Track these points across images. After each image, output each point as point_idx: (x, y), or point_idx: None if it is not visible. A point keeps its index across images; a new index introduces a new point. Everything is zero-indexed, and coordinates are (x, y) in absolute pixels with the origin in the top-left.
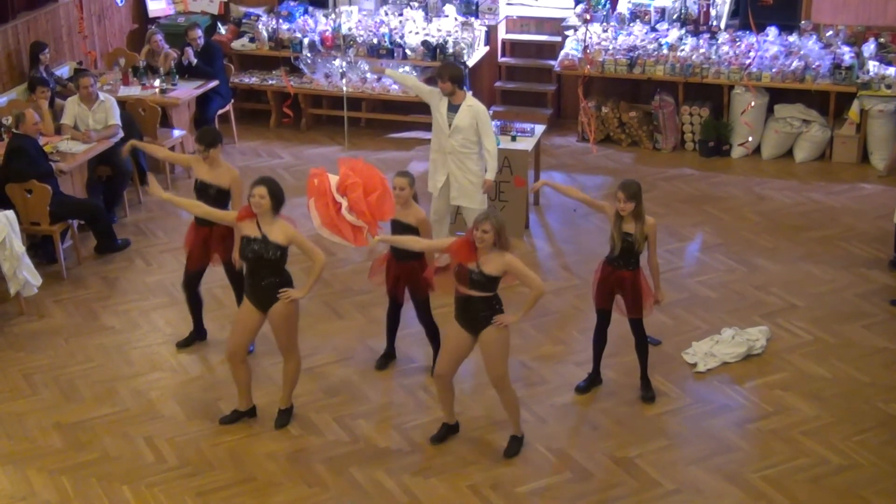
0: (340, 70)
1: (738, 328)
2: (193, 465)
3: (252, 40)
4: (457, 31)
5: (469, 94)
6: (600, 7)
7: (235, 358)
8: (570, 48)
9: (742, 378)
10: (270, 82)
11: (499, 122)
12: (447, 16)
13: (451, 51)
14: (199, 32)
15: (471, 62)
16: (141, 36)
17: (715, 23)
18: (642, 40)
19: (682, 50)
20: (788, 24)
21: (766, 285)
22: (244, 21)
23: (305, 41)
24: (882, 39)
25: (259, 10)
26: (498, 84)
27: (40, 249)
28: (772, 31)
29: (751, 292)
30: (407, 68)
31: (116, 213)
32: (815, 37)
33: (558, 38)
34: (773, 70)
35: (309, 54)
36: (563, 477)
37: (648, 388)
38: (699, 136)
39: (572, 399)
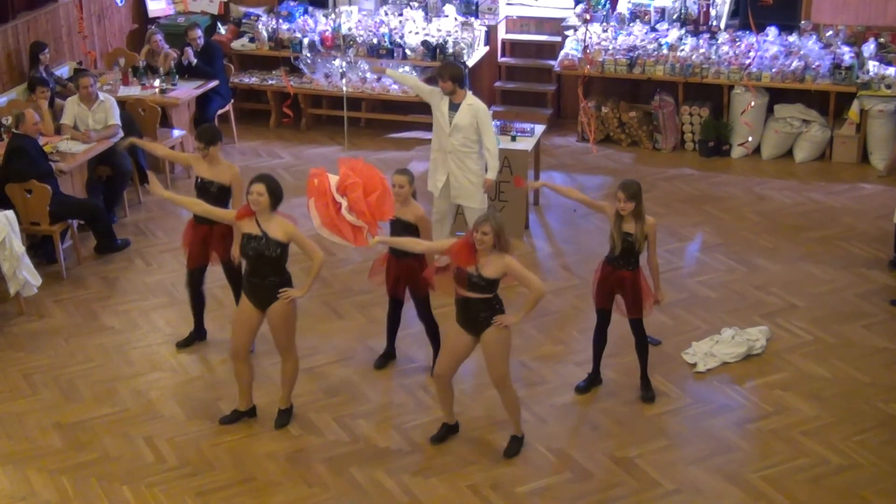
0: (340, 70)
1: (738, 328)
2: (193, 465)
3: (252, 40)
4: (457, 31)
5: (469, 93)
6: (600, 7)
7: (239, 357)
8: (570, 48)
9: (742, 378)
10: (270, 82)
11: (499, 122)
12: (447, 16)
13: (450, 51)
14: (199, 32)
15: (471, 62)
16: (141, 36)
17: (715, 23)
18: (642, 40)
19: (682, 50)
20: (788, 24)
21: (766, 285)
22: (244, 21)
23: (305, 41)
24: (882, 39)
25: (259, 10)
26: (498, 84)
27: (40, 249)
28: (772, 31)
29: (751, 292)
30: (407, 68)
31: (116, 213)
32: (814, 37)
33: (558, 38)
34: (773, 70)
35: (309, 54)
36: (563, 477)
37: (648, 388)
38: (699, 136)
39: (572, 399)
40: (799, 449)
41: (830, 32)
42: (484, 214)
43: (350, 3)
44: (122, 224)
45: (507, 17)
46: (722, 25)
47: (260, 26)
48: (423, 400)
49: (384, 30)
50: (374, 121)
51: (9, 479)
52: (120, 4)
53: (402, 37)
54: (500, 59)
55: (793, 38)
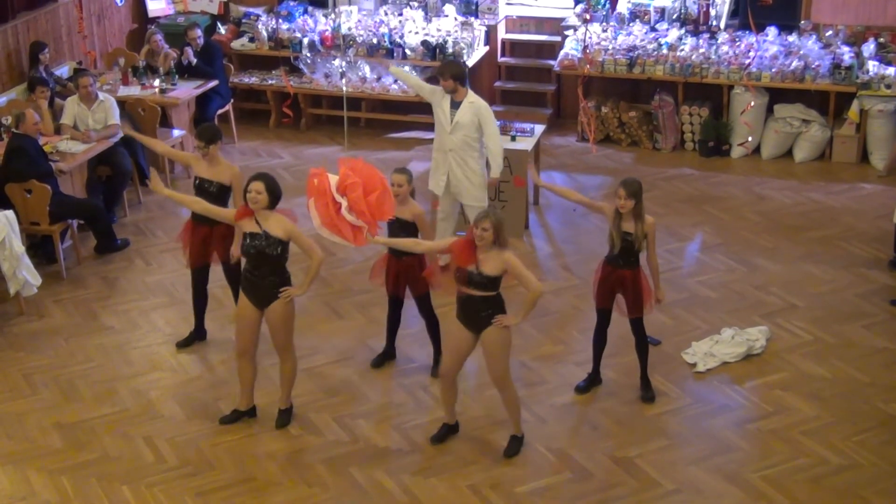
0: (340, 70)
1: (737, 328)
2: (193, 465)
3: (252, 40)
4: (456, 31)
5: (471, 91)
6: (600, 7)
7: (245, 356)
8: (570, 48)
9: (742, 378)
10: (270, 82)
11: (499, 122)
12: (447, 16)
13: (450, 51)
14: (199, 32)
15: (470, 62)
16: (140, 36)
17: (714, 23)
18: (642, 40)
19: (682, 50)
20: (788, 24)
21: (765, 285)
22: (244, 21)
23: (305, 41)
24: (882, 39)
25: (259, 10)
26: (497, 84)
27: (40, 249)
28: (771, 31)
29: (751, 292)
30: (407, 68)
31: (116, 212)
32: (814, 37)
33: (558, 38)
34: (773, 70)
35: (309, 54)
36: (563, 477)
37: (648, 388)
38: (699, 135)
39: (572, 399)
40: (799, 449)
41: (830, 32)
42: (483, 211)
43: (350, 3)
44: (121, 224)
45: (506, 16)
46: (722, 25)
47: (260, 26)
48: (423, 400)
49: (384, 30)
50: (373, 121)
51: (9, 479)
52: (120, 4)
53: (401, 37)
54: (500, 59)
55: (792, 38)
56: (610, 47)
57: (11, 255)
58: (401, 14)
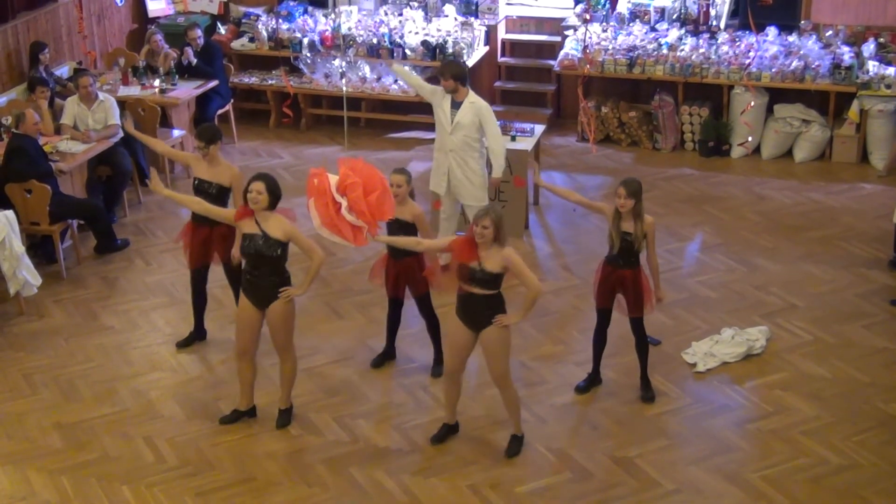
0: (340, 70)
1: (737, 328)
2: (193, 465)
3: (252, 40)
4: (456, 31)
5: (472, 91)
6: (600, 7)
7: (245, 356)
8: (570, 48)
9: (742, 378)
10: (270, 82)
11: (499, 122)
12: (447, 16)
13: (450, 51)
14: (199, 32)
15: (470, 62)
16: (140, 36)
17: (714, 23)
18: (642, 40)
19: (682, 50)
20: (788, 24)
21: (765, 285)
22: (244, 21)
23: (305, 41)
24: (882, 39)
25: (259, 10)
26: (497, 84)
27: (40, 249)
28: (771, 31)
29: (751, 292)
30: (407, 68)
31: (116, 212)
32: (814, 37)
33: (558, 38)
34: (773, 70)
35: (309, 54)
36: (563, 477)
37: (648, 388)
38: (699, 135)
39: (572, 399)
40: (799, 449)
41: (830, 32)
42: (483, 208)
43: (350, 3)
44: (121, 224)
45: (506, 16)
46: (722, 25)
47: (260, 26)
48: (423, 400)
49: (384, 30)
50: (373, 121)
51: (9, 479)
52: (120, 4)
53: (401, 37)
54: (500, 59)
55: (792, 38)
56: (610, 47)
57: (11, 255)
58: (401, 14)
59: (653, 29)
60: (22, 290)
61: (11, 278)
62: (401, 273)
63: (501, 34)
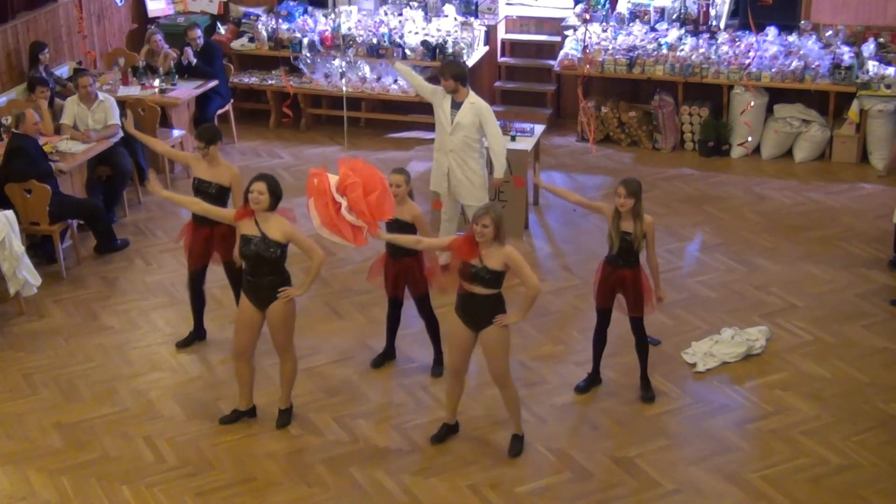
0: (340, 70)
1: (737, 328)
2: (193, 465)
3: (252, 40)
4: (456, 31)
5: (472, 92)
6: (600, 7)
7: (242, 357)
8: (570, 48)
9: (742, 378)
10: (270, 82)
11: (499, 122)
12: (447, 16)
13: (450, 51)
14: (199, 32)
15: (470, 62)
16: (140, 36)
17: (714, 23)
18: (642, 40)
19: (682, 50)
20: (788, 24)
21: (765, 285)
22: (244, 21)
23: (305, 41)
24: (882, 39)
25: (258, 10)
26: (497, 84)
27: (40, 249)
28: (771, 31)
29: (751, 292)
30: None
31: (116, 212)
32: (814, 37)
33: (558, 38)
34: (773, 70)
35: (308, 54)
36: (563, 477)
37: (648, 388)
38: (699, 135)
39: (572, 399)
40: (799, 449)
41: (830, 32)
42: (483, 207)
43: (350, 3)
44: (121, 224)
45: (506, 16)
46: (722, 25)
47: (259, 26)
48: (423, 400)
49: (384, 30)
50: (373, 121)
51: (9, 479)
52: (120, 4)
53: (401, 37)
54: (500, 59)
55: (792, 38)
56: (610, 47)
57: (11, 255)
58: (401, 14)
59: (653, 29)
60: (22, 290)
61: (11, 278)
62: (400, 273)
63: (501, 34)
